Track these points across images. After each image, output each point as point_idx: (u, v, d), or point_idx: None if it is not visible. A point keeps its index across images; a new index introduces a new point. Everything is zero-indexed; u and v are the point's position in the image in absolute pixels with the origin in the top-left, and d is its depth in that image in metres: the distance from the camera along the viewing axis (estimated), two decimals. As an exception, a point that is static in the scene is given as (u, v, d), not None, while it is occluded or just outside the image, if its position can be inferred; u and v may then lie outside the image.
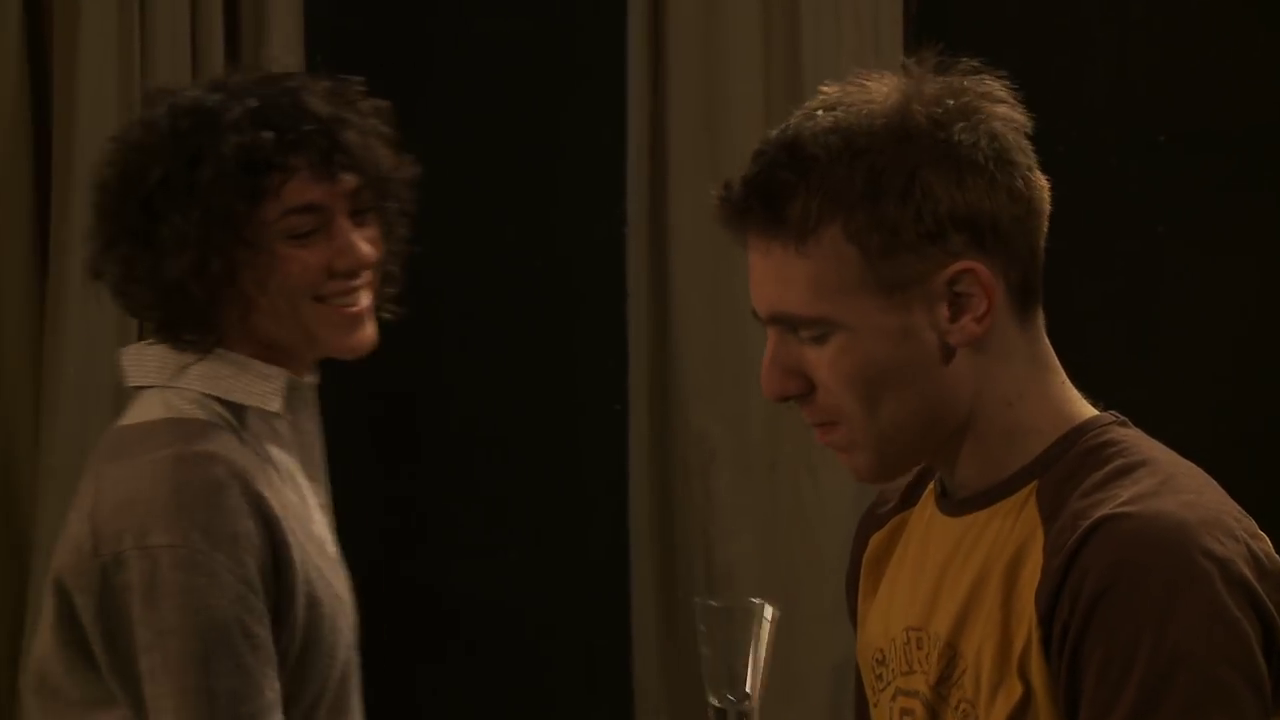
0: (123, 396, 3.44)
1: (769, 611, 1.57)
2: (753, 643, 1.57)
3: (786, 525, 3.56)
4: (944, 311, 1.43)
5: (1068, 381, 1.49)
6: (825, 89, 1.46)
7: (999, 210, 1.42)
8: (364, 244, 1.81)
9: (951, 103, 1.43)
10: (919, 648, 1.49)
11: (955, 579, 1.47)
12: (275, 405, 1.79)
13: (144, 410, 1.79)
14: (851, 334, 1.42)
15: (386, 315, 1.88)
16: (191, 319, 1.77)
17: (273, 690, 1.72)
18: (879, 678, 1.55)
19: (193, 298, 1.76)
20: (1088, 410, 1.49)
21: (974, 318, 1.43)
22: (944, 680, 1.47)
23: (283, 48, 3.49)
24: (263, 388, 1.79)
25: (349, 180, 1.79)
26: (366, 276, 1.83)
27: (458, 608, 3.62)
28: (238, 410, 1.78)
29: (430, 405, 3.64)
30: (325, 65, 3.49)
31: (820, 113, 1.43)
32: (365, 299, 1.83)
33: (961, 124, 1.42)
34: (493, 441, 3.61)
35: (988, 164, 1.42)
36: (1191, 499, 1.40)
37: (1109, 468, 1.43)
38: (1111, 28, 3.44)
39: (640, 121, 3.54)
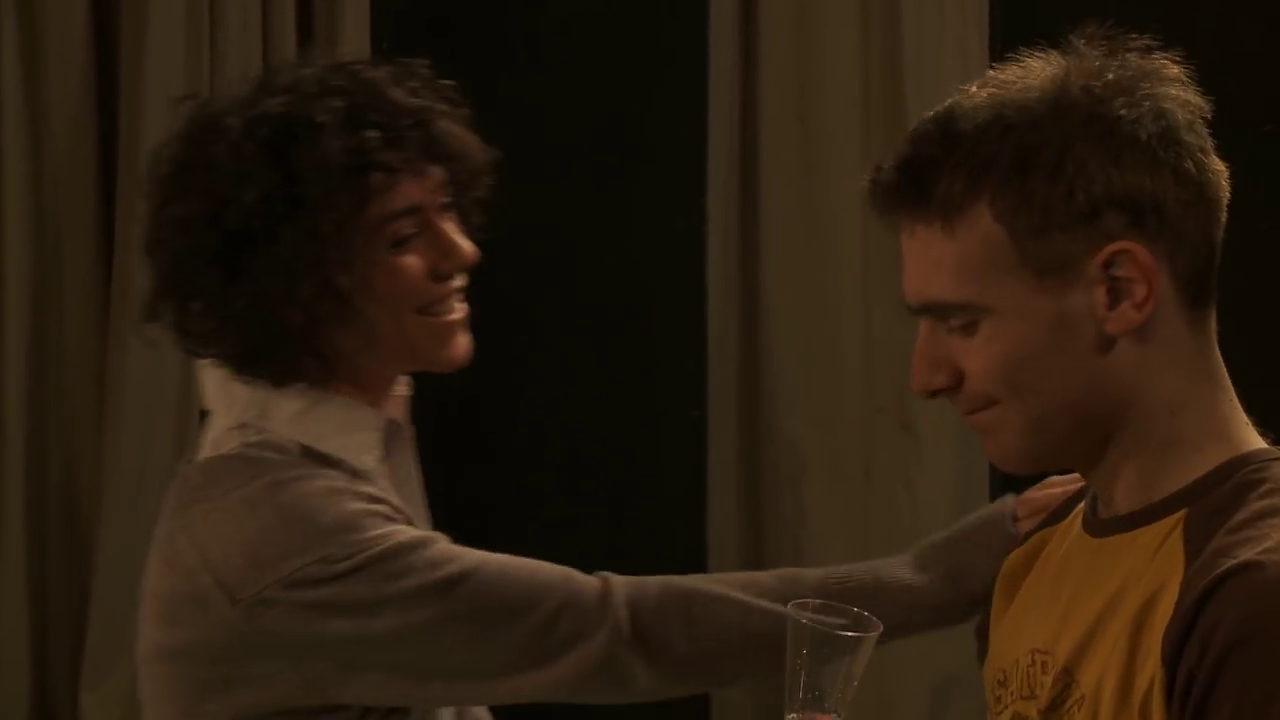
0: (185, 405, 3.46)
1: (874, 631, 1.50)
2: (849, 665, 1.50)
3: (881, 537, 3.45)
4: (1101, 297, 1.35)
5: (1236, 402, 1.41)
6: (991, 69, 1.41)
7: (1162, 192, 1.35)
8: (465, 241, 1.71)
9: (1112, 77, 1.36)
10: (1044, 671, 1.42)
11: (1085, 603, 1.40)
12: (370, 461, 1.69)
13: (218, 443, 1.68)
14: (1000, 319, 1.36)
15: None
16: (291, 354, 1.65)
17: (472, 552, 1.66)
18: (998, 700, 1.49)
19: (293, 329, 1.64)
20: (1254, 439, 1.40)
21: (1133, 304, 1.35)
22: (1053, 707, 1.40)
23: (353, 35, 3.42)
24: (360, 439, 1.68)
25: (439, 174, 1.70)
26: (463, 278, 1.72)
27: None
28: (322, 458, 1.68)
29: (497, 409, 3.55)
30: (392, 52, 3.48)
31: (976, 89, 1.38)
32: (463, 304, 1.73)
33: (1123, 99, 1.35)
34: (563, 448, 3.53)
35: (1150, 141, 1.35)
36: None
37: (1261, 504, 1.34)
38: (1215, 8, 3.27)
39: (724, 111, 3.44)
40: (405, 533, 1.64)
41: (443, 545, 1.66)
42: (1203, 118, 1.38)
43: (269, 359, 1.65)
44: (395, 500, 1.68)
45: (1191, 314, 1.38)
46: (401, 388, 1.78)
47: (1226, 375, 1.41)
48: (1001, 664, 1.49)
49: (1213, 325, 1.41)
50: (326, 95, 1.64)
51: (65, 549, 3.50)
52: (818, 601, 1.51)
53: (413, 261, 1.67)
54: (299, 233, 1.61)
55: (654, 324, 3.51)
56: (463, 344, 1.73)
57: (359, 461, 1.67)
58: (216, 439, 1.68)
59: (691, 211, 3.41)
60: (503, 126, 3.54)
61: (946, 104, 1.38)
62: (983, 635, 1.60)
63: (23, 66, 3.40)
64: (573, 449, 3.52)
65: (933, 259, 1.37)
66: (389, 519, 1.64)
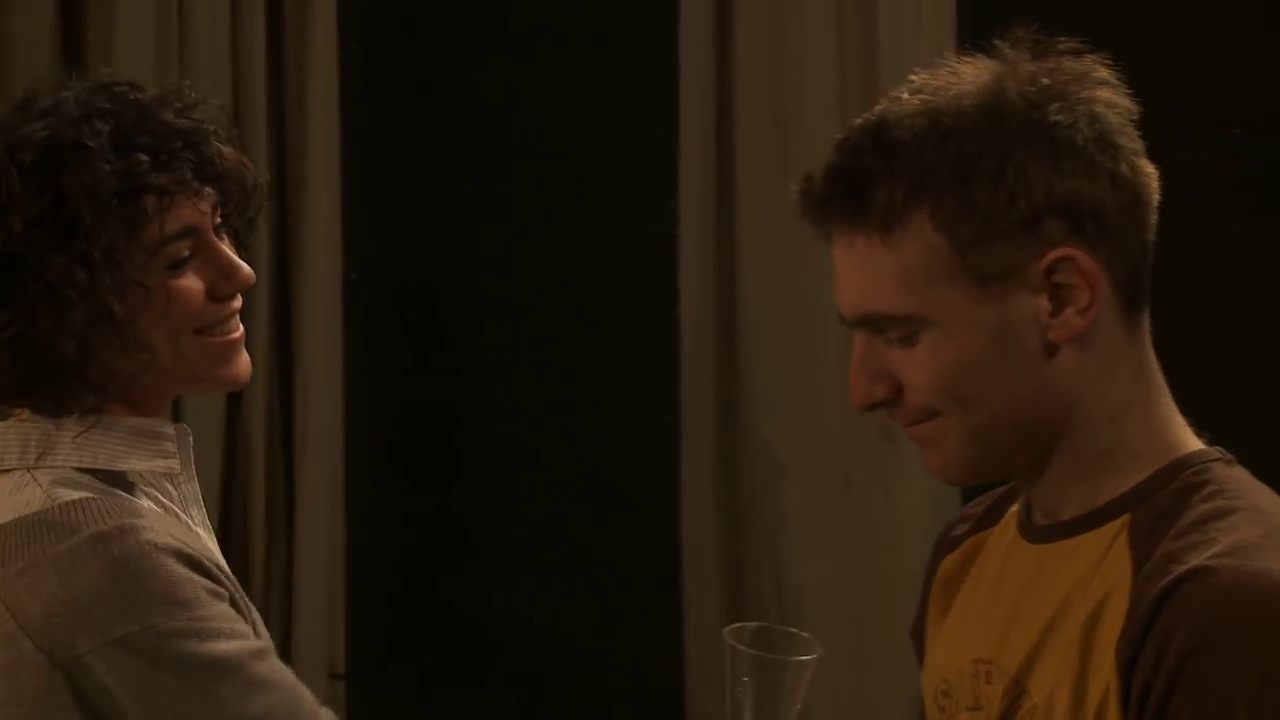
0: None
1: (812, 654, 1.49)
2: (791, 689, 1.49)
3: (862, 545, 3.42)
4: (1044, 304, 1.35)
5: (1173, 404, 1.41)
6: (915, 74, 1.40)
7: (1100, 196, 1.35)
8: (242, 262, 1.70)
9: (1047, 82, 1.36)
10: (988, 682, 1.42)
11: (1031, 612, 1.40)
12: (179, 465, 1.69)
13: (16, 502, 1.64)
14: (943, 330, 1.36)
15: None
16: (63, 382, 1.63)
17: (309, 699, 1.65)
18: (942, 710, 1.49)
19: (65, 356, 1.62)
20: (1193, 441, 1.41)
21: (1076, 310, 1.35)
22: (1005, 719, 1.39)
23: (321, 36, 3.38)
24: (159, 449, 1.67)
25: (212, 195, 1.69)
26: (241, 298, 1.71)
27: (498, 633, 3.51)
28: (119, 479, 1.66)
29: (468, 415, 3.50)
30: (359, 56, 3.45)
31: (907, 96, 1.38)
32: (240, 323, 1.72)
33: (1058, 104, 1.35)
34: (535, 455, 3.48)
35: (1087, 146, 1.35)
36: None
37: (1206, 507, 1.35)
38: (1182, 10, 3.24)
39: (697, 113, 3.40)
40: (229, 641, 1.61)
41: (258, 668, 1.63)
42: (1131, 120, 1.37)
43: (41, 389, 1.63)
44: (201, 550, 1.66)
45: (1129, 318, 1.38)
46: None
47: (1162, 377, 1.41)
48: (943, 673, 1.48)
49: (1147, 327, 1.40)
50: (92, 118, 1.61)
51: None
52: (754, 625, 1.50)
53: (191, 283, 1.65)
54: (70, 259, 1.59)
55: (626, 328, 3.46)
56: (244, 363, 1.70)
57: (162, 467, 1.66)
58: (13, 495, 1.64)
59: (663, 214, 3.37)
60: (472, 127, 3.53)
61: (876, 112, 1.37)
62: (918, 639, 1.58)
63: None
64: (544, 455, 3.47)
65: (872, 271, 1.36)
66: (214, 595, 1.62)
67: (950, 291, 1.35)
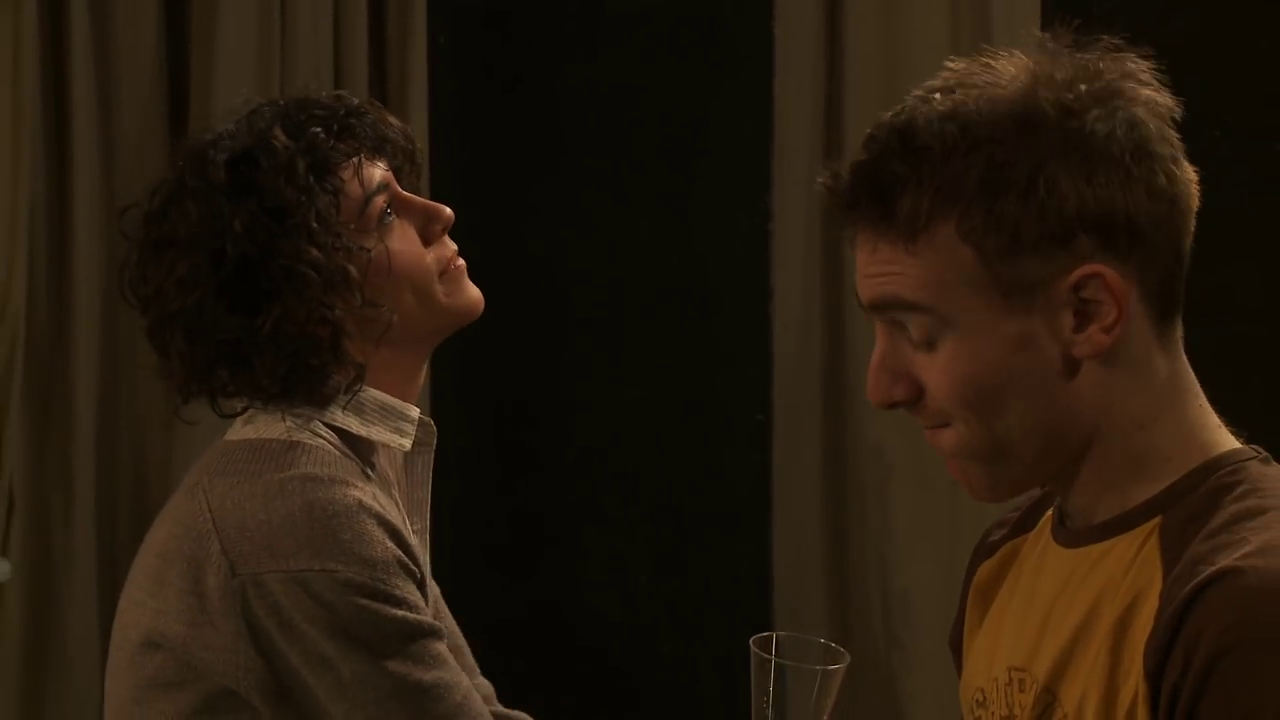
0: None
1: (839, 664, 1.47)
2: (817, 700, 1.47)
3: (969, 549, 3.30)
4: (1068, 320, 1.34)
5: (1207, 406, 1.39)
6: (949, 66, 1.37)
7: (1135, 209, 1.32)
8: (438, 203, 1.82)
9: (1084, 88, 1.33)
10: (1021, 690, 1.41)
11: (1062, 617, 1.38)
12: (409, 444, 1.79)
13: (255, 427, 1.75)
14: (964, 337, 1.34)
15: None
16: (324, 361, 1.73)
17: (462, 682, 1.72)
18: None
19: (321, 336, 1.72)
20: (1227, 441, 1.39)
21: (1101, 327, 1.33)
22: None
23: (417, 33, 3.38)
24: (398, 427, 1.77)
25: (385, 161, 1.80)
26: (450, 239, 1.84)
27: (585, 634, 3.50)
28: (363, 445, 1.76)
29: (555, 413, 3.50)
30: (448, 51, 3.44)
31: (938, 96, 1.34)
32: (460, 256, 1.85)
33: (1096, 111, 1.32)
34: (623, 453, 3.46)
35: (1124, 157, 1.32)
36: None
37: (1237, 507, 1.33)
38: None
39: (799, 105, 3.36)
40: (406, 611, 1.68)
41: (433, 645, 1.71)
42: (1173, 118, 1.33)
43: (307, 377, 1.72)
44: (405, 531, 1.73)
45: (1160, 328, 1.36)
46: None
47: (1194, 380, 1.39)
48: (979, 682, 1.47)
49: (1179, 332, 1.36)
50: (261, 126, 1.74)
51: (135, 549, 3.50)
52: (783, 634, 1.48)
53: (405, 236, 1.77)
54: (292, 238, 1.70)
55: (717, 325, 3.44)
56: (476, 290, 1.82)
57: (403, 445, 1.75)
58: (262, 423, 1.74)
59: (756, 209, 3.34)
60: (560, 122, 3.50)
61: (906, 108, 1.34)
62: (956, 649, 1.56)
63: (94, 64, 3.40)
64: (632, 454, 3.46)
65: (894, 274, 1.35)
66: (404, 568, 1.69)
67: (974, 300, 1.33)
